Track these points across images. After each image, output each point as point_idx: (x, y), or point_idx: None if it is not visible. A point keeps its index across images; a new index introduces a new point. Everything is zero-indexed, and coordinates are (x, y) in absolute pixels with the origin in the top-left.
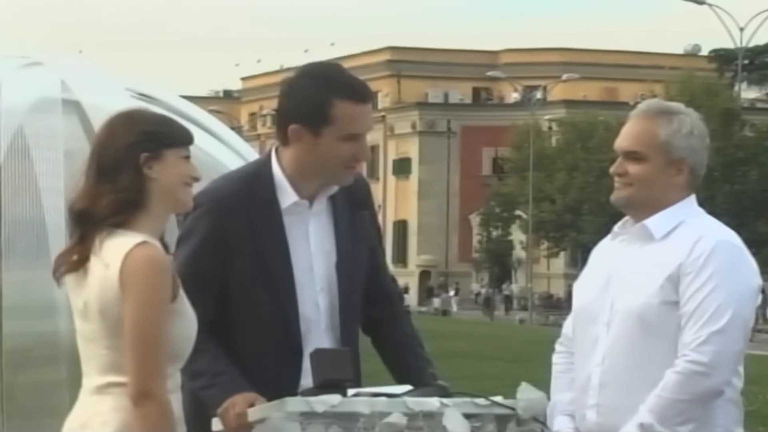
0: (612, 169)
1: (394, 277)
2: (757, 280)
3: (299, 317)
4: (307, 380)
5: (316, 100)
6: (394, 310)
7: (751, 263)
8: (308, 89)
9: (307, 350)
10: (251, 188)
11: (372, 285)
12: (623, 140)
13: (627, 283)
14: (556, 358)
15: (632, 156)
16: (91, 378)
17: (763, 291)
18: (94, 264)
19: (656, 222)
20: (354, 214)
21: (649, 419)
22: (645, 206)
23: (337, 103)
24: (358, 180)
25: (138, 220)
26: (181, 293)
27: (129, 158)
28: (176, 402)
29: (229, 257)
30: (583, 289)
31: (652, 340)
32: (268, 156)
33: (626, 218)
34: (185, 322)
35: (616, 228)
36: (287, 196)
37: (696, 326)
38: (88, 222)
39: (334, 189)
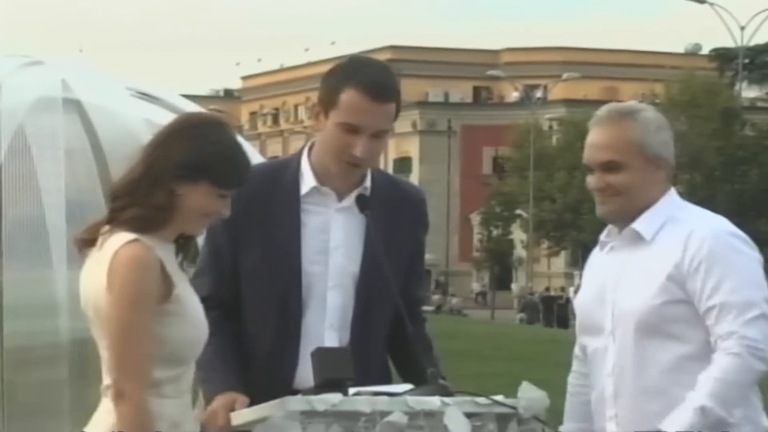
0: (591, 186)
1: (422, 300)
2: (758, 255)
3: (301, 305)
4: (303, 369)
5: (335, 82)
6: (411, 323)
7: (747, 240)
8: (335, 74)
9: (306, 342)
10: (277, 172)
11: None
12: (595, 152)
13: (625, 288)
14: (569, 378)
15: (610, 166)
16: (103, 379)
17: None
18: (93, 258)
19: (644, 223)
20: (393, 220)
21: (710, 403)
22: (636, 212)
23: (348, 90)
24: (413, 193)
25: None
26: (179, 294)
27: (171, 177)
28: (177, 407)
29: (240, 236)
30: (582, 304)
31: (658, 341)
32: (304, 146)
33: (609, 226)
34: (184, 324)
35: (602, 238)
36: (307, 181)
37: (732, 314)
38: (115, 216)
39: (367, 189)
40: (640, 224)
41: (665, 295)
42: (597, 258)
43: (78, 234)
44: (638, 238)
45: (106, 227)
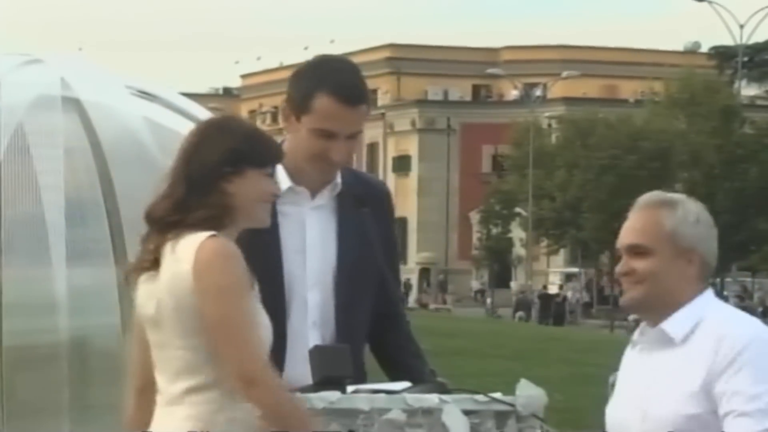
0: (617, 270)
1: (403, 298)
2: None
3: (285, 307)
4: (290, 368)
5: (306, 88)
6: (395, 323)
7: None
8: (305, 76)
9: (291, 341)
10: None
11: (375, 298)
12: (625, 236)
13: (654, 395)
14: None
15: (636, 251)
16: (166, 390)
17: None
18: (167, 262)
19: (673, 324)
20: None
21: None
22: (660, 305)
23: (320, 95)
24: (381, 189)
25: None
26: (256, 291)
27: (217, 174)
28: (249, 411)
29: None
30: (613, 410)
31: None
32: None
33: (642, 324)
34: (259, 323)
35: (634, 337)
36: (282, 182)
37: (746, 423)
38: (174, 229)
39: (338, 185)
40: (669, 325)
41: (698, 406)
42: (629, 357)
43: (135, 261)
44: (668, 340)
45: (170, 234)
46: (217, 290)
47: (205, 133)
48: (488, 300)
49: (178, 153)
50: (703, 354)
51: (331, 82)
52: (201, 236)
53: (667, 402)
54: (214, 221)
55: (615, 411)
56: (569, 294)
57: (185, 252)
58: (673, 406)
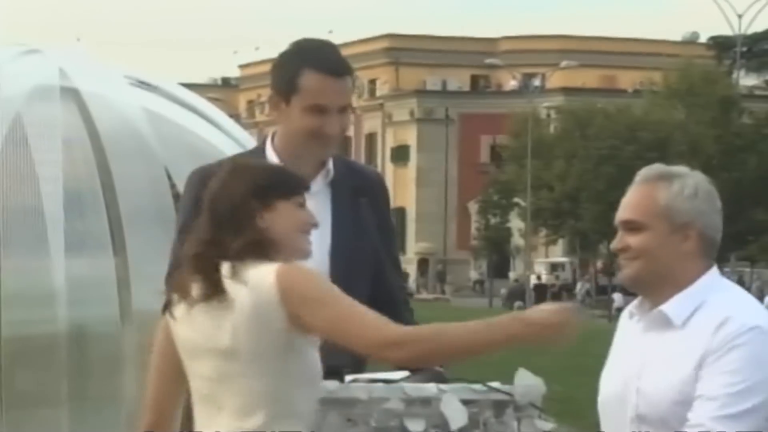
0: (612, 246)
1: (404, 286)
2: None
3: None
4: None
5: (290, 68)
6: (394, 311)
7: None
8: (286, 59)
9: None
10: None
11: (375, 287)
12: (620, 211)
13: (650, 376)
14: None
15: (630, 226)
16: (229, 424)
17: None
18: (238, 293)
19: (674, 306)
20: (358, 204)
21: None
22: (658, 282)
23: (306, 72)
24: (375, 178)
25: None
26: None
27: (247, 211)
28: None
29: None
30: (609, 378)
31: None
32: (266, 137)
33: (640, 297)
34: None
35: (631, 307)
36: None
37: (711, 406)
38: (219, 260)
39: (330, 172)
40: (669, 307)
41: (689, 394)
42: (627, 327)
43: (180, 293)
44: (667, 322)
45: (226, 266)
46: (316, 296)
47: (228, 174)
48: (502, 291)
49: (205, 199)
50: (702, 339)
51: (314, 59)
52: (272, 266)
53: (662, 387)
54: (256, 251)
55: (609, 384)
56: (578, 285)
57: (262, 283)
58: (669, 392)
